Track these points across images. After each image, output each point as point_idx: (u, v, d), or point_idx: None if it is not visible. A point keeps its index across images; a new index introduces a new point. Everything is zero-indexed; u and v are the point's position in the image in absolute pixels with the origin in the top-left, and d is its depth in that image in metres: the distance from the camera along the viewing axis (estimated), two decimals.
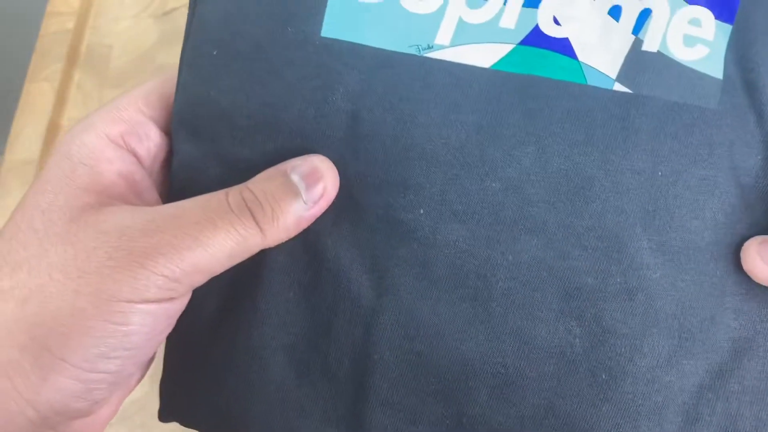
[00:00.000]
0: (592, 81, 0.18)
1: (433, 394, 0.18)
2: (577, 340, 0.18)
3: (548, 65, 0.18)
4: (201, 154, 0.19)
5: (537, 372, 0.18)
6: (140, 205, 0.18)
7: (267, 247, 0.18)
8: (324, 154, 0.18)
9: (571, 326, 0.18)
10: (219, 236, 0.16)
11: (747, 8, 0.18)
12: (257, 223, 0.17)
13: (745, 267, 0.18)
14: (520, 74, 0.18)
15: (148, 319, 0.16)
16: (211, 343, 0.20)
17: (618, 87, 0.18)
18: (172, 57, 0.45)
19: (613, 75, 0.18)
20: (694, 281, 0.18)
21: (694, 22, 0.18)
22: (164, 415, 0.21)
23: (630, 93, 0.18)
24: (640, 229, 0.18)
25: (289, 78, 0.18)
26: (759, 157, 0.18)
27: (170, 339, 0.20)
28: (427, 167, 0.18)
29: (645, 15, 0.18)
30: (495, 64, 0.18)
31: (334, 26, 0.18)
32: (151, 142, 0.19)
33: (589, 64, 0.18)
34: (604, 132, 0.18)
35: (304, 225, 0.18)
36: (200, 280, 0.17)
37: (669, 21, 0.18)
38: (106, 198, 0.17)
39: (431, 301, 0.18)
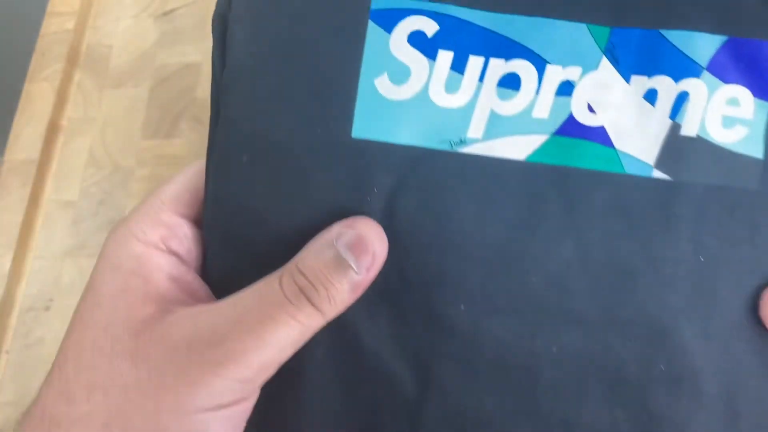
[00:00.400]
0: (630, 169, 0.18)
1: None
2: (624, 427, 0.18)
3: (584, 155, 0.18)
4: (235, 257, 0.19)
5: None
6: (196, 305, 0.18)
7: (326, 322, 0.18)
8: None
9: (617, 414, 0.18)
10: (282, 331, 0.16)
11: None
12: (315, 307, 0.17)
13: (761, 313, 0.18)
14: (556, 165, 0.18)
15: (228, 423, 0.17)
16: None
17: (657, 174, 0.18)
18: (172, 57, 0.45)
19: (652, 162, 0.18)
20: (740, 361, 0.18)
21: (732, 102, 0.18)
22: None
23: (669, 180, 0.18)
24: (683, 317, 0.18)
25: (322, 181, 0.18)
26: None
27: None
28: (465, 263, 0.18)
29: (682, 98, 0.18)
30: (530, 157, 0.18)
31: (364, 126, 0.18)
32: (189, 240, 0.19)
33: (626, 151, 0.18)
34: (644, 221, 0.18)
35: (360, 293, 0.18)
36: (270, 374, 0.17)
37: (707, 103, 0.18)
38: (165, 304, 0.18)
39: (477, 394, 0.18)
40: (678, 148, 0.18)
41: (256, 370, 0.16)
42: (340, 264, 0.17)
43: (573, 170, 0.18)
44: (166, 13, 0.46)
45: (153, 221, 0.19)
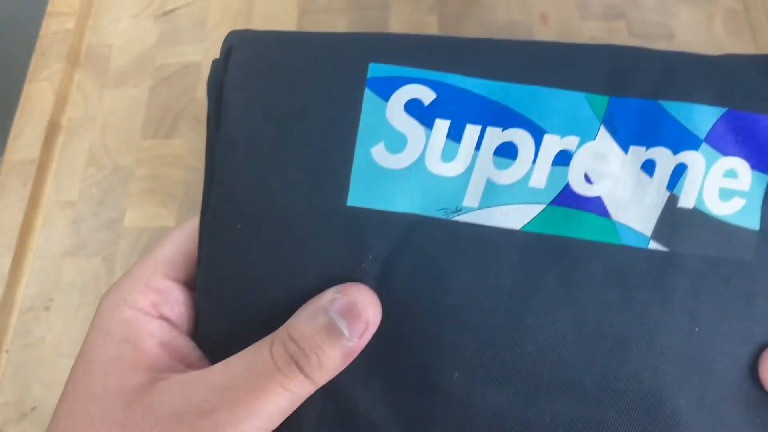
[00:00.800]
0: (626, 240, 0.18)
1: None
2: None
3: (581, 226, 0.18)
4: (227, 322, 0.19)
5: None
6: (187, 371, 0.18)
7: (316, 388, 0.18)
8: None
9: None
10: (272, 400, 0.16)
11: None
12: (306, 375, 0.17)
13: (761, 374, 0.18)
14: (553, 235, 0.18)
15: None
16: None
17: (653, 245, 0.18)
18: (172, 57, 0.45)
19: (648, 233, 0.18)
20: (735, 429, 0.18)
21: (730, 173, 0.18)
22: None
23: (666, 251, 0.18)
24: (677, 387, 0.18)
25: (318, 249, 0.18)
26: None
27: None
28: (460, 331, 0.18)
29: (680, 170, 0.18)
30: (525, 226, 0.18)
31: (360, 195, 0.18)
32: (181, 305, 0.19)
33: (623, 222, 0.18)
34: (639, 293, 0.18)
35: (351, 359, 0.18)
36: None
37: (705, 176, 0.18)
38: (156, 372, 0.17)
39: None
40: (675, 221, 0.18)
41: None
42: (333, 331, 0.17)
43: (569, 240, 0.18)
44: (166, 13, 0.46)
45: (144, 286, 0.19)
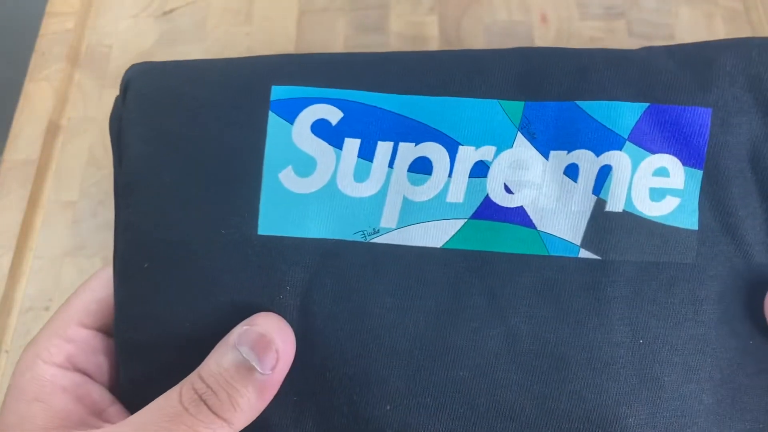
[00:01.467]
0: (554, 251, 0.17)
1: None
2: None
3: (504, 239, 0.17)
4: (144, 366, 0.18)
5: None
6: (104, 425, 0.17)
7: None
8: None
9: None
10: None
11: (714, 151, 0.17)
12: (217, 415, 0.15)
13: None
14: (476, 251, 0.17)
15: None
16: None
17: (584, 254, 0.17)
18: (171, 57, 0.45)
19: (577, 241, 0.17)
20: None
21: (661, 171, 0.17)
22: None
23: (598, 259, 0.17)
24: (625, 406, 0.16)
25: (230, 283, 0.17)
26: (754, 301, 0.17)
27: None
28: (388, 359, 0.17)
29: (605, 172, 0.17)
30: (447, 243, 0.17)
31: (271, 223, 0.17)
32: (99, 355, 0.19)
33: (549, 232, 0.17)
34: (573, 305, 0.17)
35: (270, 395, 0.16)
36: None
37: (632, 176, 0.16)
38: (67, 430, 0.16)
39: None
40: (604, 226, 0.17)
41: None
42: (242, 365, 0.16)
43: (494, 255, 0.17)
44: (166, 13, 0.46)
45: (59, 339, 0.18)
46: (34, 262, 0.39)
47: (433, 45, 0.47)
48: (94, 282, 0.19)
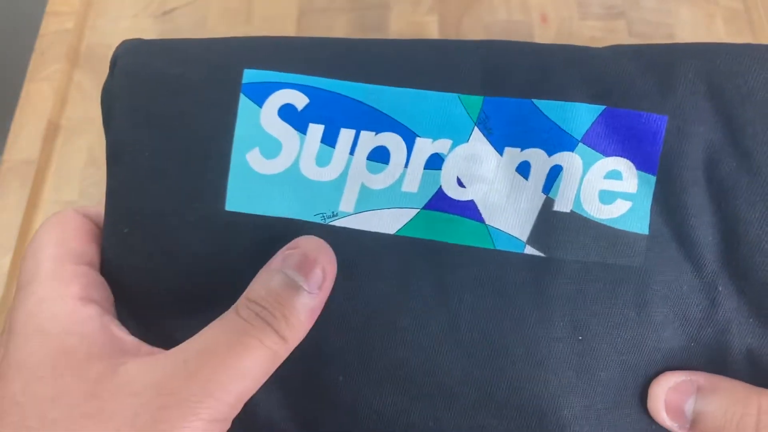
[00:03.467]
0: (500, 245, 0.17)
1: None
2: None
3: (454, 230, 0.18)
4: (138, 329, 0.19)
5: None
6: (141, 354, 0.17)
7: (290, 351, 0.17)
8: None
9: None
10: (254, 358, 0.16)
11: (669, 158, 0.17)
12: (276, 332, 0.16)
13: (648, 406, 0.17)
14: (426, 240, 0.18)
15: None
16: None
17: (529, 250, 0.17)
18: None
19: (524, 238, 0.17)
20: None
21: (613, 174, 0.17)
22: None
23: (542, 256, 0.17)
24: (562, 398, 0.17)
25: (201, 253, 0.18)
26: (699, 308, 0.17)
27: None
28: (342, 334, 0.18)
29: (555, 172, 0.17)
30: (400, 230, 0.18)
31: (237, 200, 0.18)
32: (102, 287, 0.19)
33: (497, 227, 0.17)
34: (516, 299, 0.17)
35: (317, 314, 0.17)
36: (242, 404, 0.16)
37: (582, 177, 0.17)
38: (111, 358, 0.16)
39: None
40: (551, 224, 0.17)
41: (234, 403, 0.15)
42: (291, 286, 0.16)
43: (443, 245, 0.18)
44: (165, 13, 0.46)
45: (62, 276, 0.18)
46: None
47: None
48: (48, 227, 0.19)
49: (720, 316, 0.17)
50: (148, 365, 0.16)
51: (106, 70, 0.44)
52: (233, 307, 0.17)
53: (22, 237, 0.39)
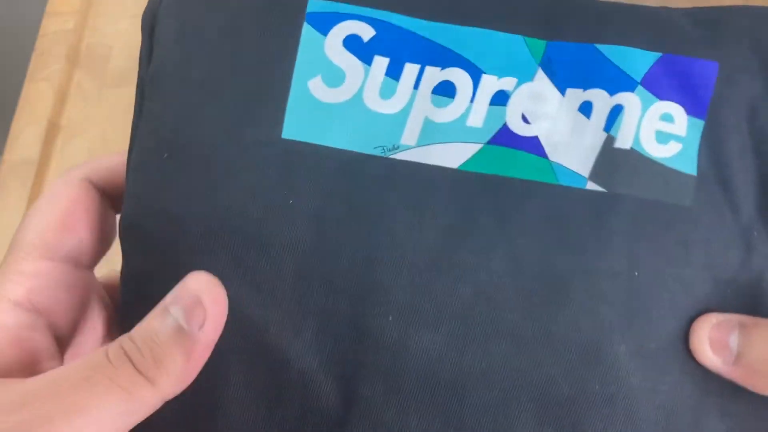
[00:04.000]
0: (563, 180, 0.18)
1: None
2: None
3: (518, 165, 0.18)
4: (153, 267, 0.18)
5: None
6: (36, 373, 0.16)
7: (165, 398, 0.16)
8: (286, 261, 0.17)
9: None
10: (99, 396, 0.14)
11: (717, 104, 0.18)
12: (140, 372, 0.15)
13: (691, 346, 0.17)
14: (489, 174, 0.18)
15: None
16: None
17: (591, 186, 0.17)
18: None
19: (586, 174, 0.17)
20: (675, 383, 0.17)
21: (666, 117, 0.18)
22: None
23: (604, 192, 0.17)
24: (618, 334, 0.17)
25: (248, 182, 0.17)
26: (736, 252, 0.18)
27: None
28: (395, 272, 0.17)
29: (617, 111, 0.18)
30: (463, 165, 0.18)
31: (295, 127, 0.18)
32: (60, 290, 0.17)
33: (560, 163, 0.18)
34: (578, 233, 0.17)
35: (200, 357, 0.16)
36: None
37: (641, 117, 0.18)
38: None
39: (401, 412, 0.17)
40: (612, 161, 0.17)
41: None
42: (167, 323, 0.15)
43: (506, 180, 0.18)
44: None
45: (17, 274, 0.17)
46: None
47: None
48: (43, 204, 0.18)
49: (755, 261, 0.18)
50: (8, 386, 0.15)
51: (106, 70, 0.44)
52: (108, 344, 0.16)
53: None
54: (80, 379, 0.14)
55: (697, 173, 0.18)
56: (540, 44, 0.18)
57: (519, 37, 0.18)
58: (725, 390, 0.17)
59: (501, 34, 0.18)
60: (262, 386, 0.18)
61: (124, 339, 0.15)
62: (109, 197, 0.19)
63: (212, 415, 0.18)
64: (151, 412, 0.15)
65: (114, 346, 0.15)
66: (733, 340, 0.17)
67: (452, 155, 0.18)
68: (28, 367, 0.16)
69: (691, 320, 0.17)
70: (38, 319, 0.17)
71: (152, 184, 0.18)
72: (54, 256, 0.17)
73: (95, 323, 0.18)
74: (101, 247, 0.19)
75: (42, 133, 0.42)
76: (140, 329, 0.16)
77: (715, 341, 0.17)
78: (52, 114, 0.42)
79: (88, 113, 0.43)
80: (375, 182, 0.18)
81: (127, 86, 0.43)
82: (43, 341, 0.17)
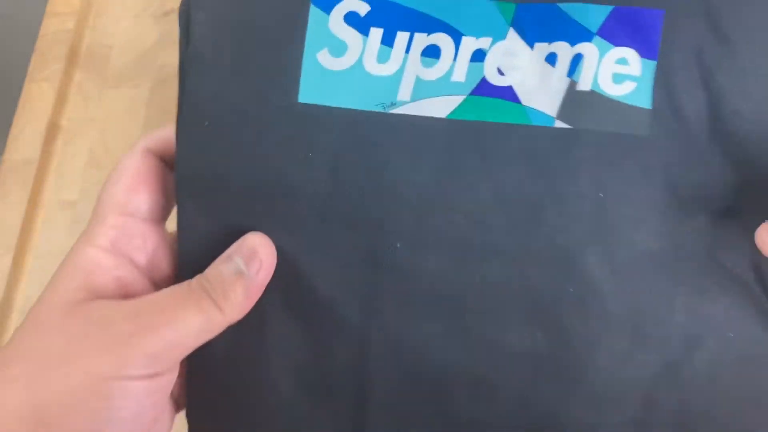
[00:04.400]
0: (535, 121, 0.21)
1: (422, 401, 0.21)
2: (542, 345, 0.21)
3: (496, 111, 0.21)
4: (205, 221, 0.22)
5: (509, 374, 0.21)
6: (130, 293, 0.21)
7: (230, 322, 0.20)
8: (308, 205, 0.21)
9: (536, 334, 0.21)
10: (187, 315, 0.19)
11: (666, 46, 0.21)
12: (214, 302, 0.20)
13: (757, 241, 0.20)
14: (473, 121, 0.21)
15: (132, 395, 0.19)
16: (229, 376, 0.22)
17: (558, 124, 0.21)
18: (172, 57, 0.45)
19: (554, 114, 0.21)
20: (644, 287, 0.21)
21: (622, 61, 0.21)
22: None
23: (569, 128, 0.21)
24: (588, 246, 0.20)
25: (274, 140, 0.21)
26: (695, 172, 0.21)
27: (191, 376, 0.22)
28: (400, 206, 0.21)
29: (577, 59, 0.21)
30: (450, 114, 0.21)
31: (309, 92, 0.21)
32: (138, 238, 0.22)
33: (532, 106, 0.21)
34: (549, 164, 0.21)
35: (255, 294, 0.21)
36: (178, 355, 0.20)
37: (598, 63, 0.21)
38: (96, 296, 0.20)
39: (414, 320, 0.21)
40: (575, 101, 0.21)
41: (163, 346, 0.19)
42: (234, 269, 0.20)
43: (487, 124, 0.21)
44: (166, 13, 0.46)
45: (103, 226, 0.22)
46: (35, 262, 0.39)
47: None
48: (114, 175, 0.23)
49: (711, 180, 0.21)
50: (113, 305, 0.20)
51: (107, 71, 0.44)
52: (189, 280, 0.21)
53: (22, 237, 0.39)
54: (174, 303, 0.20)
55: (652, 107, 0.21)
56: (510, 7, 0.21)
57: (492, 3, 0.21)
58: (689, 292, 0.21)
59: (477, 1, 0.21)
60: (298, 309, 0.22)
61: (201, 277, 0.21)
62: (168, 162, 0.23)
63: (258, 327, 0.22)
64: (217, 333, 0.20)
65: (194, 281, 0.20)
66: None
67: (441, 107, 0.21)
68: (123, 297, 0.21)
69: (658, 232, 0.20)
70: (123, 260, 0.21)
71: (196, 147, 0.22)
72: (127, 212, 0.22)
73: (165, 263, 0.22)
74: (166, 203, 0.23)
75: (42, 133, 0.42)
76: (212, 270, 0.21)
77: None
78: (53, 114, 0.42)
79: (89, 113, 0.43)
80: (378, 134, 0.21)
81: (127, 86, 0.43)
82: (129, 276, 0.21)
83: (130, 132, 0.42)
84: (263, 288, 0.21)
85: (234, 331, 0.21)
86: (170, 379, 0.20)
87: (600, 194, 0.20)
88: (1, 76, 0.47)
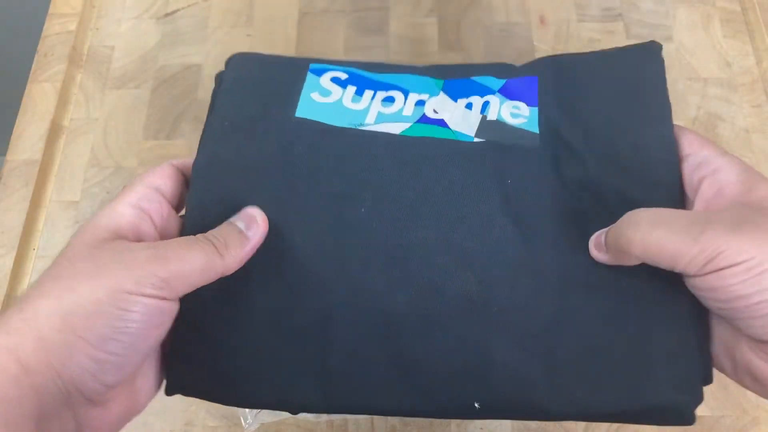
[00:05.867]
0: (460, 138, 0.30)
1: (378, 340, 0.27)
2: (474, 286, 0.27)
3: (434, 131, 0.31)
4: (210, 195, 0.29)
5: (451, 312, 0.27)
6: (146, 239, 0.27)
7: (226, 269, 0.25)
8: (292, 183, 0.29)
9: (469, 276, 0.28)
10: (193, 254, 0.25)
11: (542, 98, 0.32)
12: (216, 249, 0.25)
13: (590, 252, 0.28)
14: (417, 136, 0.30)
15: (144, 309, 0.23)
16: (212, 320, 0.28)
17: (476, 139, 0.30)
18: (173, 58, 0.45)
19: (473, 134, 0.31)
20: (541, 243, 0.28)
21: (515, 107, 0.31)
22: (170, 390, 0.27)
23: (483, 141, 0.30)
24: (499, 213, 0.29)
25: (271, 139, 0.30)
26: (576, 170, 0.30)
27: (177, 328, 0.26)
28: (361, 184, 0.29)
29: (486, 104, 0.31)
30: (402, 132, 0.31)
31: (303, 111, 0.31)
32: (155, 203, 0.28)
33: (458, 130, 0.31)
34: (469, 162, 0.30)
35: (250, 250, 0.27)
36: (183, 286, 0.24)
37: (500, 106, 0.31)
38: (119, 236, 0.26)
39: (370, 272, 0.28)
40: (487, 126, 0.31)
41: (172, 274, 0.24)
42: (234, 228, 0.27)
43: (427, 139, 0.30)
44: (167, 15, 0.47)
45: (128, 191, 0.27)
46: (37, 261, 0.39)
47: (433, 47, 0.47)
48: (150, 170, 0.29)
49: (582, 173, 0.29)
50: (132, 243, 0.25)
51: (109, 71, 0.44)
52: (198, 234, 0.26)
53: (24, 237, 0.40)
54: (184, 244, 0.25)
55: (539, 131, 0.31)
56: (440, 81, 0.33)
57: (429, 78, 0.33)
58: (570, 246, 0.28)
59: (419, 77, 0.33)
60: (278, 264, 0.28)
61: (208, 233, 0.26)
62: (184, 176, 0.30)
63: (243, 281, 0.27)
64: (216, 278, 0.25)
65: (200, 235, 0.26)
66: (602, 238, 0.27)
67: (395, 128, 0.31)
68: (133, 236, 0.27)
69: (554, 209, 0.29)
70: (144, 215, 0.27)
71: (214, 139, 0.30)
72: (153, 186, 0.28)
73: (174, 232, 0.28)
74: (181, 200, 0.29)
75: (44, 133, 0.42)
76: (218, 228, 0.26)
77: (594, 244, 0.28)
78: (55, 114, 0.43)
79: (91, 114, 0.43)
80: (348, 140, 0.30)
81: (128, 87, 0.44)
82: (146, 229, 0.27)
83: (132, 132, 0.42)
84: (256, 247, 0.27)
85: (221, 282, 0.26)
86: (172, 310, 0.24)
87: (508, 180, 0.29)
88: (3, 77, 0.47)
